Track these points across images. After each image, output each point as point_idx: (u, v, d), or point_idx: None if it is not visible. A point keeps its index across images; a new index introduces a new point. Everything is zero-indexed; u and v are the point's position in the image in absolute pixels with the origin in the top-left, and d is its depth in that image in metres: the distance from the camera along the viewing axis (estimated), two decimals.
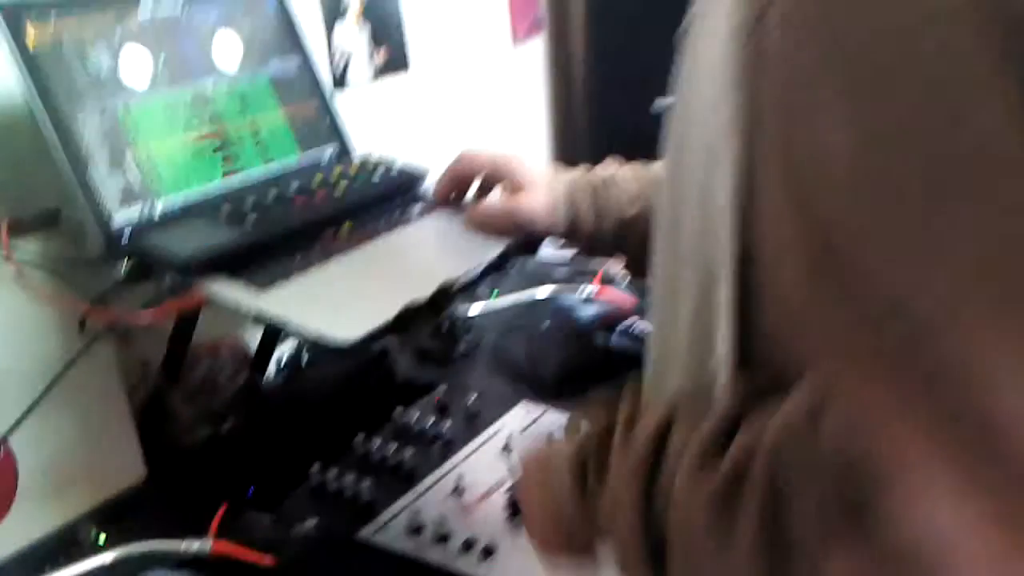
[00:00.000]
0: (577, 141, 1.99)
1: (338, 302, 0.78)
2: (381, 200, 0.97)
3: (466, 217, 0.93)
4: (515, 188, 0.92)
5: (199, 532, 0.82)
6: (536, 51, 1.91)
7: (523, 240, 0.92)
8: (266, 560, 0.78)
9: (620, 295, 1.27)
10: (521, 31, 1.83)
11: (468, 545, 0.80)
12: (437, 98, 1.59)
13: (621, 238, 0.91)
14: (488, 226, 0.92)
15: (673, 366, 0.52)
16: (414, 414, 1.01)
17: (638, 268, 1.14)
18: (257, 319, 0.76)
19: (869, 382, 0.38)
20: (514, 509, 0.84)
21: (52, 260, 0.83)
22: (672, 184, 0.52)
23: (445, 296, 0.81)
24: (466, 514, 0.85)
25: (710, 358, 0.48)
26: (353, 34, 1.40)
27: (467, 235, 0.91)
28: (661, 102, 2.20)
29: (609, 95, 1.99)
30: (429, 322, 1.14)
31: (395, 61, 1.47)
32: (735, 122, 0.43)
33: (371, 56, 1.43)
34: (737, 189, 0.44)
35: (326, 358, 1.19)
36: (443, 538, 0.82)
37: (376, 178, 0.98)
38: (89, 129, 0.83)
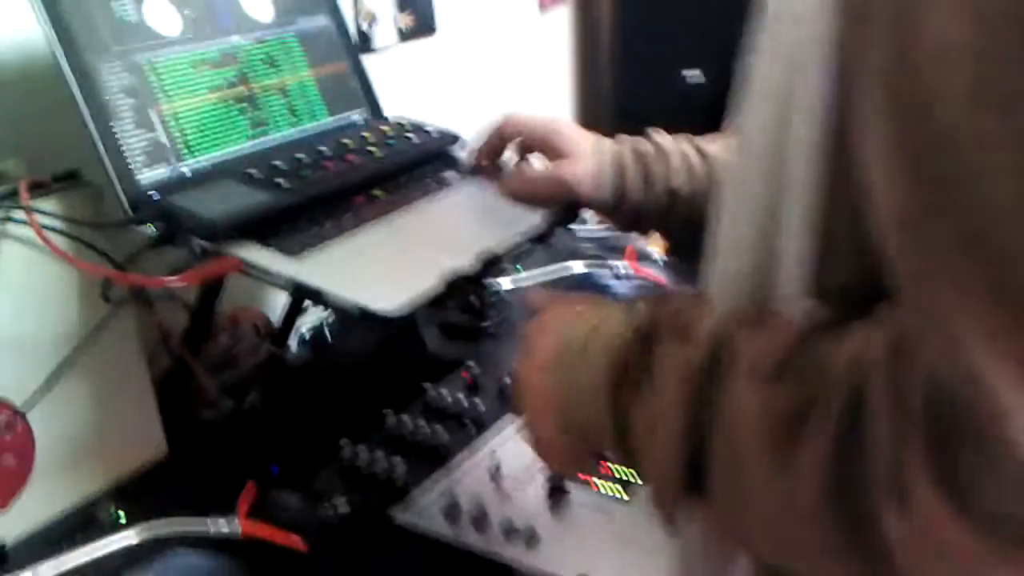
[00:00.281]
0: (601, 111, 1.94)
1: (377, 271, 0.74)
2: (415, 165, 0.93)
3: (506, 183, 0.89)
4: (557, 154, 0.87)
5: (223, 511, 0.78)
6: (562, 19, 1.86)
7: (565, 209, 0.88)
8: (298, 543, 0.74)
9: (653, 272, 1.23)
10: None
11: (510, 531, 0.76)
12: (463, 63, 1.54)
13: (668, 210, 0.86)
14: (530, 193, 0.87)
15: (735, 278, 0.48)
16: (444, 391, 0.97)
17: (679, 245, 1.09)
18: (292, 288, 0.72)
19: (971, 306, 0.34)
20: (555, 489, 0.80)
21: (74, 223, 0.78)
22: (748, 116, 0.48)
23: (488, 265, 0.77)
24: (505, 497, 0.81)
25: (779, 269, 0.45)
26: None
27: (508, 202, 0.87)
28: (690, 73, 2.16)
29: (634, 65, 1.95)
30: (471, 292, 1.10)
31: (422, 25, 1.42)
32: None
33: (396, 19, 1.38)
34: (829, 94, 0.41)
35: (350, 331, 1.15)
36: (482, 522, 0.78)
37: (409, 142, 0.94)
38: (113, 83, 0.79)
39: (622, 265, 1.23)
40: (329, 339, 1.16)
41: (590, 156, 0.86)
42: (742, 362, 0.44)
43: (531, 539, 0.75)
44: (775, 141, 0.45)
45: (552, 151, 0.87)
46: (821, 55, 0.41)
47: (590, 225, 1.35)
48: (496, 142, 0.91)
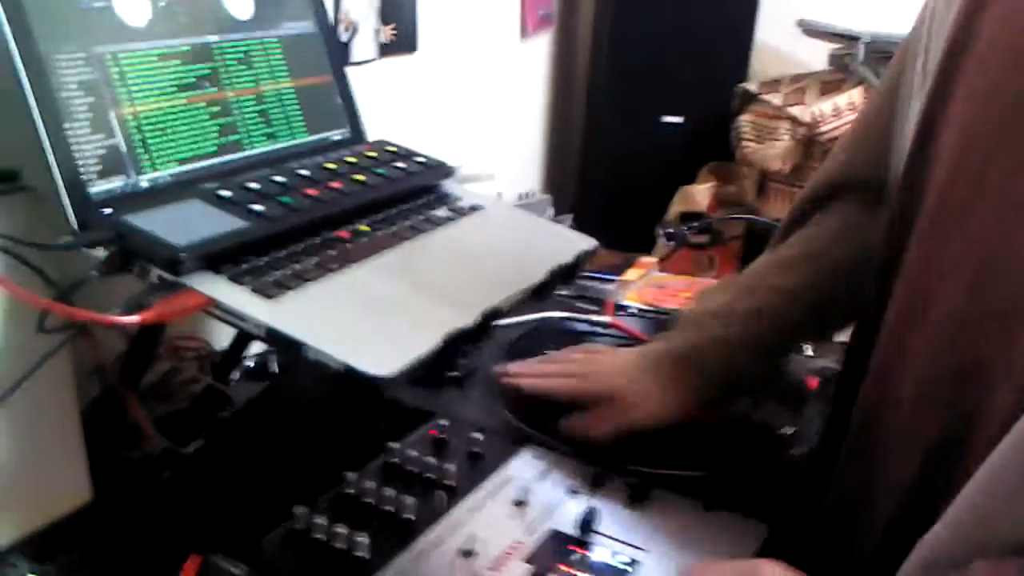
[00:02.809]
0: (573, 142, 1.89)
1: (368, 325, 0.64)
2: (405, 198, 0.83)
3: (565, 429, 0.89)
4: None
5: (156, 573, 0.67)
6: (543, 48, 1.80)
7: (567, 267, 0.80)
8: None
9: (631, 326, 1.15)
10: (531, 24, 1.71)
11: None
12: (441, 83, 1.46)
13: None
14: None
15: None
16: (410, 450, 0.87)
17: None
18: (267, 336, 0.61)
19: None
20: None
21: (9, 238, 0.66)
22: None
23: (488, 321, 0.68)
24: None
25: None
26: (362, 5, 1.25)
27: (507, 247, 0.78)
28: (668, 117, 2.12)
29: (610, 102, 1.91)
30: (468, 350, 1.00)
31: (403, 40, 1.33)
32: None
33: (377, 32, 1.28)
34: None
35: (300, 368, 1.04)
36: None
37: (401, 171, 0.84)
38: (70, 77, 0.67)
39: (601, 317, 1.15)
40: (275, 372, 1.05)
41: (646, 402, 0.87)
42: None
43: None
44: None
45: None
46: None
47: None
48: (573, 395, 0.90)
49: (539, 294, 0.77)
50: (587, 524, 0.78)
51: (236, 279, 0.64)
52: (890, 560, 0.59)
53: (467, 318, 0.65)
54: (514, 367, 0.95)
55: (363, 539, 0.74)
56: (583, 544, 0.77)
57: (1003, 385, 0.55)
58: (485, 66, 1.62)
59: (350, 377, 0.58)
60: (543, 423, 0.93)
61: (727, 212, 1.90)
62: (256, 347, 1.03)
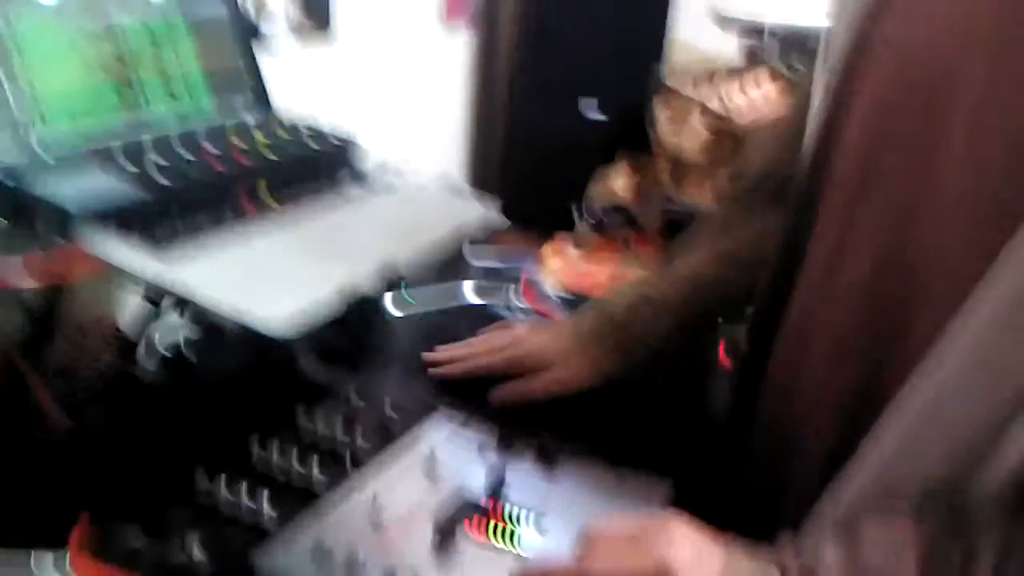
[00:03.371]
0: (495, 131, 1.90)
1: (263, 278, 0.64)
2: (311, 171, 0.83)
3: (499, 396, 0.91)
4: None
5: (53, 544, 0.66)
6: (464, 36, 1.81)
7: (478, 234, 0.81)
8: None
9: (546, 304, 1.17)
10: (452, 11, 1.71)
11: None
12: (356, 66, 1.45)
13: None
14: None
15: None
16: (318, 420, 0.87)
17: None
18: (157, 291, 0.61)
19: None
20: (443, 537, 0.72)
21: None
22: None
23: (388, 284, 0.69)
24: (384, 541, 0.72)
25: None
26: None
27: (410, 218, 0.79)
28: (587, 103, 2.14)
29: (530, 89, 1.92)
30: (368, 310, 1.00)
31: (316, 22, 1.33)
32: None
33: (289, 13, 1.28)
34: None
35: (210, 347, 1.03)
36: (358, 569, 0.68)
37: (306, 146, 0.85)
38: None
39: (515, 295, 1.16)
40: (186, 355, 1.04)
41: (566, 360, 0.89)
42: None
43: None
44: None
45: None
46: None
47: (483, 249, 1.28)
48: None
49: (446, 265, 0.78)
50: (495, 486, 0.79)
51: (129, 240, 0.63)
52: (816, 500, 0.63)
53: (365, 276, 0.65)
54: (442, 353, 0.96)
55: (265, 505, 0.74)
56: (491, 505, 0.77)
57: (908, 354, 0.58)
58: (404, 51, 1.62)
59: (245, 333, 0.58)
60: (453, 391, 0.95)
61: (645, 201, 1.93)
62: (163, 328, 1.02)
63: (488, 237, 0.87)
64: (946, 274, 0.56)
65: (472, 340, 0.97)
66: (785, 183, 0.87)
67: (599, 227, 1.62)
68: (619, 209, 1.67)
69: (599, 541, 0.63)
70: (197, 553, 0.68)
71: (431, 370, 0.94)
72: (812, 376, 0.68)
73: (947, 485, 0.52)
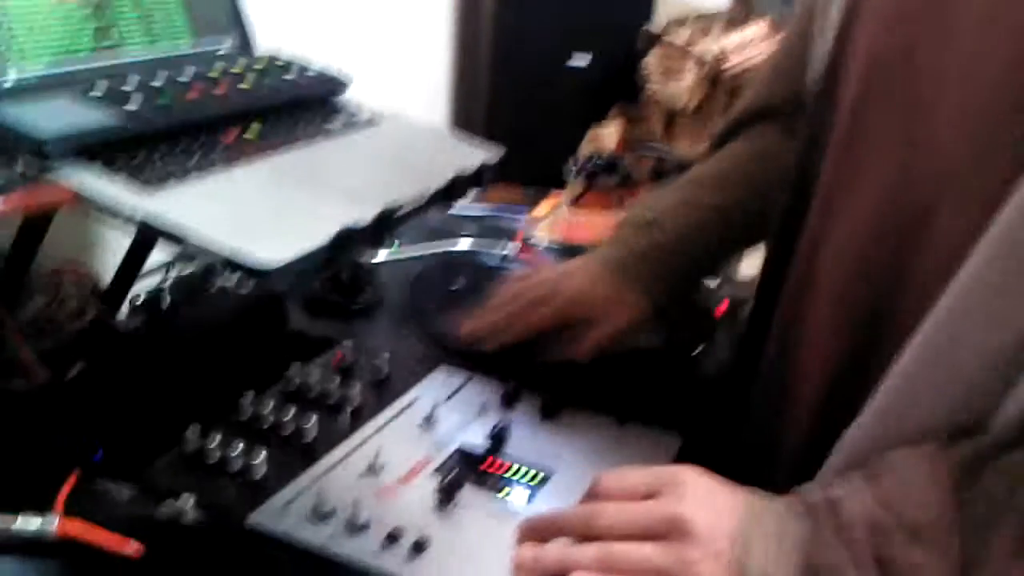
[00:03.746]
0: (479, 79, 1.85)
1: (255, 216, 0.60)
2: (295, 107, 0.78)
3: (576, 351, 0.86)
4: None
5: (39, 506, 0.63)
6: None
7: (472, 173, 0.77)
8: (130, 548, 0.60)
9: (541, 257, 1.13)
10: None
11: (393, 538, 0.64)
12: (340, 19, 1.40)
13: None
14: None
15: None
16: (313, 375, 0.83)
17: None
18: (140, 229, 0.57)
19: None
20: (446, 494, 0.68)
21: None
22: None
23: (387, 224, 0.64)
24: (385, 499, 0.69)
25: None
26: None
27: (406, 154, 0.74)
28: (580, 57, 2.09)
29: (517, 40, 1.88)
30: (365, 253, 0.96)
31: None
32: None
33: None
34: None
35: (197, 299, 0.98)
36: (359, 528, 0.65)
37: (290, 81, 0.80)
38: None
39: (510, 248, 1.13)
40: (172, 303, 0.99)
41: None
42: None
43: (415, 548, 0.63)
44: None
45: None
46: None
47: (474, 204, 1.24)
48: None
49: (443, 198, 0.73)
50: (498, 440, 0.75)
51: (110, 172, 0.59)
52: (813, 459, 0.60)
53: (363, 214, 0.61)
54: (479, 323, 0.89)
55: (260, 461, 0.70)
56: (494, 459, 0.74)
57: (912, 290, 0.56)
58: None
59: (234, 268, 0.54)
60: (455, 342, 0.91)
61: (636, 152, 1.89)
62: (147, 281, 0.98)
63: (486, 184, 0.82)
64: (949, 210, 0.53)
65: (500, 300, 0.90)
66: (777, 111, 0.85)
67: (591, 179, 1.58)
68: (612, 161, 1.63)
69: (608, 493, 0.60)
70: (187, 509, 0.65)
71: (477, 346, 0.88)
72: (810, 331, 0.65)
73: (960, 430, 0.51)
